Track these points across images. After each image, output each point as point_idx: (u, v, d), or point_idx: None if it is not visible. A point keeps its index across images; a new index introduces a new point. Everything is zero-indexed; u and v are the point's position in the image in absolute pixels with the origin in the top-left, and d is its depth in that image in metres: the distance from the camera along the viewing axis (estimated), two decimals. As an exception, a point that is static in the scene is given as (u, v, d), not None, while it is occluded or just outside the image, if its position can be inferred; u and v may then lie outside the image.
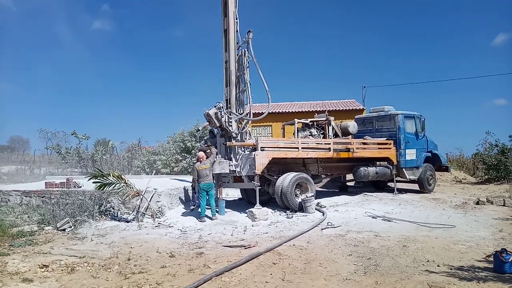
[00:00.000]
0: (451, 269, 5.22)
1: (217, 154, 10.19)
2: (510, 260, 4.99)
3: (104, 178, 9.11)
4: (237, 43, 10.90)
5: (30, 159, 27.90)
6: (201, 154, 9.85)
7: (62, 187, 10.50)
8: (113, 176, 9.22)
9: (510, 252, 5.08)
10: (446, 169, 16.00)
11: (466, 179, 20.79)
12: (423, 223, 8.52)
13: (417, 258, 5.81)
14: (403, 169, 13.58)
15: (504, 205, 10.90)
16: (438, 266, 5.40)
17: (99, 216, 9.27)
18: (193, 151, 18.07)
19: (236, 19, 10.85)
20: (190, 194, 10.57)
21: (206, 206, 9.49)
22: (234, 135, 10.46)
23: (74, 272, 5.39)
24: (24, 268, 5.52)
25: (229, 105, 10.72)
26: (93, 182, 9.09)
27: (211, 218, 9.35)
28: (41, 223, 8.61)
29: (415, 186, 14.39)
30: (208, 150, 10.17)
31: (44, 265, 5.64)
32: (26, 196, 10.55)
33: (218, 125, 10.23)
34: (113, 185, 9.08)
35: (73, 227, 8.37)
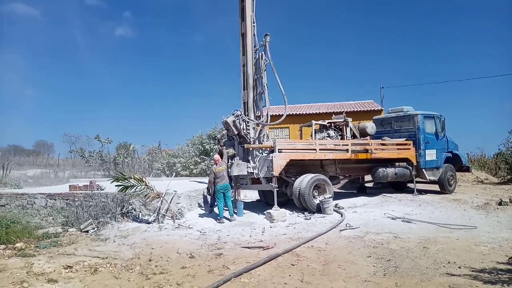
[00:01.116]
0: (473, 271, 5.14)
1: (234, 157, 10.29)
2: (534, 262, 4.89)
3: (126, 180, 9.32)
4: (254, 47, 11.00)
5: (54, 162, 28.69)
6: (217, 157, 9.99)
7: (86, 190, 10.78)
8: (134, 179, 9.42)
9: (534, 254, 4.98)
10: (467, 169, 15.68)
11: (488, 179, 20.28)
12: (443, 224, 8.40)
13: (438, 259, 5.74)
14: (423, 169, 13.38)
15: (528, 206, 10.61)
16: (459, 268, 5.33)
17: (121, 218, 9.48)
18: (211, 153, 18.25)
19: (253, 23, 10.95)
20: (209, 198, 10.69)
21: (224, 208, 9.60)
22: (252, 142, 10.53)
23: (97, 273, 5.55)
24: (49, 269, 5.70)
25: (246, 108, 10.81)
26: (115, 185, 9.32)
27: (229, 220, 9.45)
28: (65, 225, 8.87)
29: (436, 187, 14.15)
30: (224, 151, 10.34)
31: (68, 266, 5.82)
32: (50, 199, 10.87)
33: (236, 132, 10.33)
34: (134, 188, 9.28)
35: (96, 228, 8.59)
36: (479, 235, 7.34)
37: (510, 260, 5.44)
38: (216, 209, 9.77)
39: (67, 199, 10.58)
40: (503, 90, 74.91)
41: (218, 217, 9.38)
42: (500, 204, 11.02)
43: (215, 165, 9.73)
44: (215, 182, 9.52)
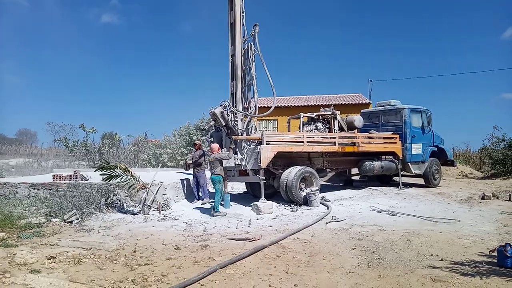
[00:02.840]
0: (455, 264, 5.23)
1: (229, 149, 10.18)
2: (514, 255, 4.98)
3: (111, 170, 9.20)
4: (243, 37, 10.87)
5: (38, 152, 28.23)
6: (216, 145, 9.87)
7: (69, 180, 10.62)
8: (120, 169, 9.31)
9: (514, 247, 5.08)
10: (452, 164, 15.96)
11: (472, 174, 20.67)
12: (427, 217, 8.53)
13: (421, 252, 5.82)
14: (409, 163, 13.54)
15: (510, 200, 10.85)
16: (441, 260, 5.41)
17: (106, 209, 9.38)
18: (201, 144, 18.16)
19: (243, 12, 10.81)
20: (195, 189, 10.65)
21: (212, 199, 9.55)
22: (240, 133, 10.47)
23: (81, 264, 5.48)
24: (31, 259, 5.60)
25: (235, 99, 10.74)
26: (100, 174, 9.20)
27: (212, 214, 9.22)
28: (49, 215, 8.72)
29: (421, 181, 14.35)
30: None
31: (51, 256, 5.73)
32: (34, 189, 10.69)
33: (224, 124, 10.24)
34: (120, 178, 9.18)
35: (80, 219, 8.48)
36: (462, 228, 7.48)
37: (490, 253, 5.54)
38: (206, 201, 9.76)
39: (50, 189, 10.42)
40: (489, 85, 76.22)
41: (215, 210, 9.16)
42: (483, 198, 11.24)
43: (212, 153, 9.56)
44: (212, 172, 9.44)
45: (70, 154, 22.29)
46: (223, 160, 9.64)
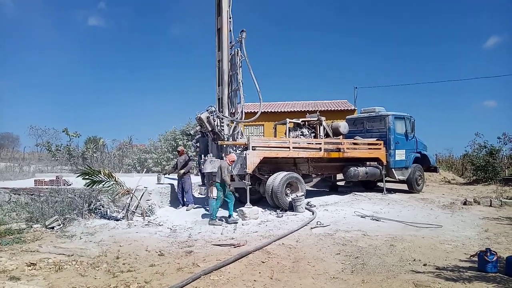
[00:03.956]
0: (437, 269, 5.31)
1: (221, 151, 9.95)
2: (494, 260, 5.09)
3: (94, 175, 9.07)
4: (230, 43, 10.89)
5: (19, 156, 27.65)
6: (234, 156, 9.49)
7: (52, 185, 10.42)
8: (103, 174, 9.19)
9: (494, 252, 5.18)
10: (435, 170, 16.21)
11: (454, 180, 21.03)
12: (410, 222, 8.64)
13: (404, 257, 5.89)
14: (393, 169, 13.70)
15: (490, 206, 11.07)
16: (424, 265, 5.48)
17: (89, 215, 9.23)
18: (184, 150, 18.05)
19: (230, 18, 10.84)
20: (179, 195, 10.53)
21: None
22: (226, 139, 10.45)
23: (62, 270, 5.38)
24: (11, 266, 5.48)
25: (221, 104, 10.73)
26: (82, 179, 9.05)
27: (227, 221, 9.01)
28: (30, 221, 8.54)
29: (404, 186, 14.54)
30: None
31: (31, 263, 5.61)
32: (14, 194, 10.45)
33: (210, 129, 10.19)
34: (103, 183, 9.05)
35: (62, 225, 8.33)
36: (444, 233, 7.59)
37: (471, 257, 5.65)
38: (191, 207, 9.68)
39: (32, 194, 10.20)
40: (471, 93, 77.98)
41: (230, 216, 9.00)
42: (465, 204, 11.45)
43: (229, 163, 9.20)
44: (215, 178, 9.19)
45: (53, 158, 21.89)
46: (204, 165, 9.59)
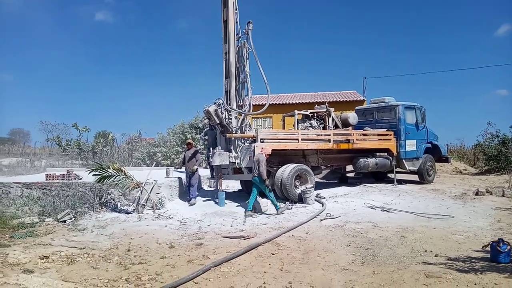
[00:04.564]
0: (448, 259, 5.25)
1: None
2: (506, 250, 5.02)
3: (104, 170, 9.14)
4: (236, 34, 10.82)
5: (30, 151, 27.96)
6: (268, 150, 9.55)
7: (63, 179, 10.52)
8: (113, 169, 9.25)
9: (507, 242, 5.11)
10: (446, 160, 16.01)
11: (466, 170, 20.80)
12: (421, 213, 8.56)
13: (415, 248, 5.84)
14: (403, 160, 13.58)
15: (503, 196, 10.92)
16: (435, 256, 5.43)
17: (100, 208, 9.32)
18: (193, 143, 18.11)
19: (236, 9, 10.75)
20: (188, 189, 10.55)
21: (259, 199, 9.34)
22: (235, 131, 10.42)
23: (74, 263, 5.44)
24: (24, 259, 5.56)
25: (229, 97, 10.70)
26: (93, 175, 9.13)
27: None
28: (42, 215, 8.66)
29: (415, 177, 14.40)
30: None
31: (44, 256, 5.69)
32: (26, 188, 10.58)
33: (218, 122, 10.18)
34: (113, 177, 9.11)
35: (73, 218, 8.42)
36: (455, 224, 7.51)
37: (484, 248, 5.58)
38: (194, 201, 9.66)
39: (43, 189, 10.32)
40: (483, 82, 76.72)
41: (276, 209, 9.03)
42: (477, 194, 11.31)
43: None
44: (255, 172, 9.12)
45: (63, 153, 22.10)
46: (213, 158, 9.66)
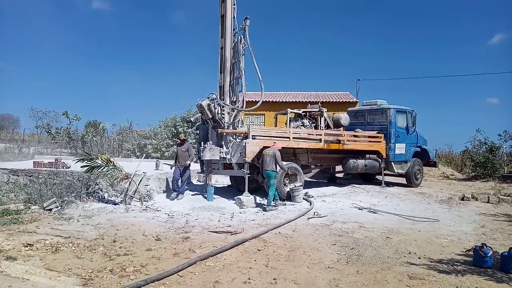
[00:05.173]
0: (432, 262, 5.33)
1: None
2: (489, 255, 5.10)
3: (93, 161, 9.06)
4: (233, 30, 10.79)
5: (19, 137, 27.64)
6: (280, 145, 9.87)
7: (50, 167, 10.44)
8: (101, 159, 9.18)
9: (489, 247, 5.20)
10: (434, 165, 16.21)
11: (453, 175, 21.04)
12: (407, 216, 8.66)
13: (399, 249, 5.91)
14: (392, 162, 13.69)
15: (488, 202, 11.07)
16: (419, 258, 5.50)
17: (87, 198, 9.26)
18: (186, 138, 18.02)
19: (234, 5, 10.71)
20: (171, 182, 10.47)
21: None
22: (227, 127, 10.41)
23: (59, 252, 5.40)
24: (8, 246, 5.51)
25: (222, 92, 10.67)
26: (81, 166, 9.05)
27: (265, 209, 9.12)
28: (28, 202, 8.58)
29: (403, 180, 14.54)
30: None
31: (28, 244, 5.64)
32: (13, 175, 10.48)
33: (210, 116, 10.15)
34: (101, 168, 9.04)
35: (60, 207, 8.35)
36: (440, 228, 7.61)
37: (467, 252, 5.67)
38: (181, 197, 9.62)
39: (30, 176, 10.23)
40: (475, 89, 77.58)
41: (274, 201, 9.26)
42: (462, 199, 11.46)
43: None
44: (268, 166, 9.32)
45: (53, 141, 21.89)
46: (203, 153, 9.69)
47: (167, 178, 10.64)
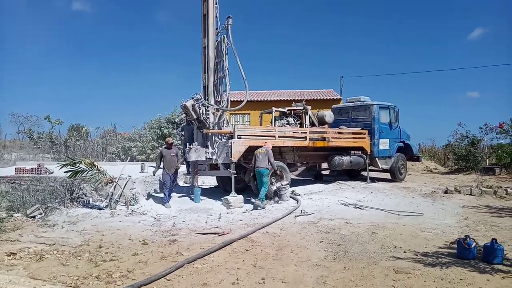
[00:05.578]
0: (417, 255, 5.42)
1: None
2: (472, 246, 5.22)
3: (76, 165, 8.91)
4: (216, 29, 10.75)
5: (0, 143, 26.97)
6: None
7: (33, 173, 10.24)
8: (84, 163, 9.04)
9: (472, 239, 5.31)
10: (417, 159, 16.49)
11: (436, 169, 21.42)
12: (392, 211, 8.79)
13: (385, 244, 6.00)
14: (376, 158, 13.87)
15: (471, 194, 11.31)
16: (404, 252, 5.59)
17: (71, 203, 9.11)
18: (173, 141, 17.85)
19: (216, 4, 10.68)
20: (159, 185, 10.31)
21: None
22: (212, 127, 10.37)
23: (43, 260, 5.31)
24: (-10, 256, 5.39)
25: (206, 92, 10.63)
26: (64, 172, 8.89)
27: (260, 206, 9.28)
28: (10, 210, 8.37)
29: (387, 175, 14.75)
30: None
31: (11, 252, 5.52)
32: (-6, 182, 10.22)
33: (195, 117, 10.09)
34: (85, 172, 8.91)
35: (43, 214, 8.19)
36: (425, 221, 7.75)
37: (450, 244, 5.78)
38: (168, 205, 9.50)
39: (12, 183, 10.01)
40: (455, 84, 78.93)
41: (262, 201, 9.43)
42: (446, 192, 11.68)
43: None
44: (260, 165, 9.60)
45: (35, 146, 21.43)
46: (189, 154, 9.67)
47: (159, 181, 10.50)
